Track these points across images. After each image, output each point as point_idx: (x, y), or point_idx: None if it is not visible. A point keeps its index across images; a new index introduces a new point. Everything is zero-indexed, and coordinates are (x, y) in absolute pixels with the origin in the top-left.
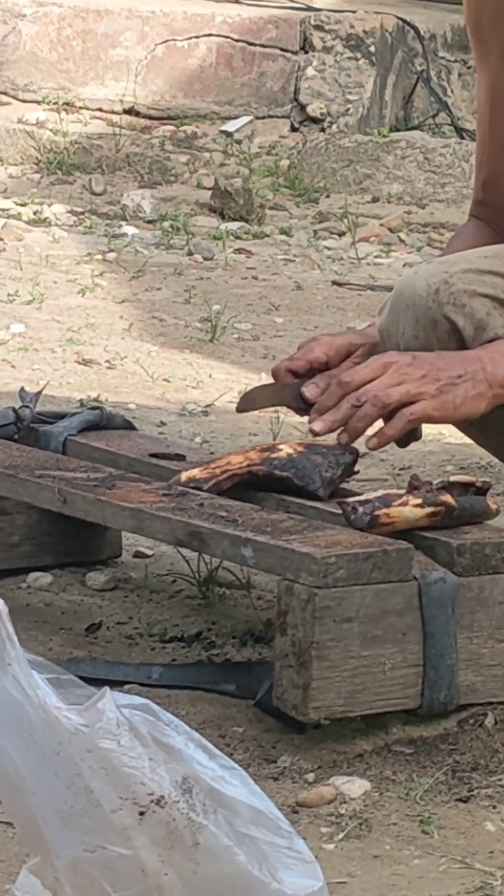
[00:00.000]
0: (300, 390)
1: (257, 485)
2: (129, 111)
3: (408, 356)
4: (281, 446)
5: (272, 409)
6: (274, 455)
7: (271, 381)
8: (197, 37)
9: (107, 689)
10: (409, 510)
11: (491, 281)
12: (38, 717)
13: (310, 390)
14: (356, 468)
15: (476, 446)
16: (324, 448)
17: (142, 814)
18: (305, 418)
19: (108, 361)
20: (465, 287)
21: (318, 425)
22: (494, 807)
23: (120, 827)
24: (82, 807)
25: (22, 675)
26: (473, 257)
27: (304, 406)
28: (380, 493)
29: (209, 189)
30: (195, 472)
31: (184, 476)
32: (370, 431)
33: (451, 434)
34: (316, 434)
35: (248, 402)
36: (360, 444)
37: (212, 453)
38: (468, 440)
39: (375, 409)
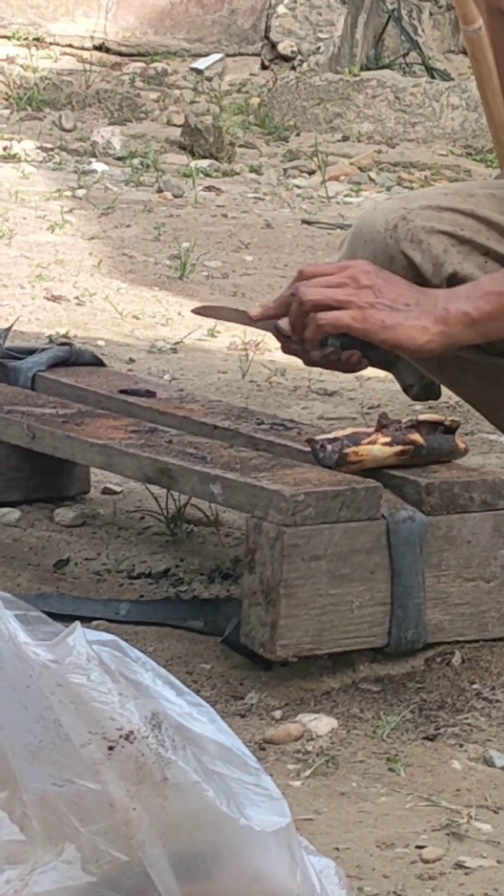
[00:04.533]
0: (277, 323)
1: None
2: (99, 47)
3: (369, 267)
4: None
5: (239, 347)
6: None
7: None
8: None
9: (77, 623)
10: (378, 449)
11: (450, 218)
12: (8, 649)
13: (284, 322)
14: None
15: (444, 387)
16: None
17: (111, 748)
18: (275, 356)
19: (77, 298)
20: (423, 224)
21: (254, 309)
22: (461, 745)
23: (89, 761)
24: (51, 741)
25: None
26: (433, 194)
27: (280, 335)
28: (349, 431)
29: (179, 126)
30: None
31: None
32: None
33: None
34: (252, 317)
35: (211, 311)
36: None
37: (181, 390)
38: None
39: (293, 302)
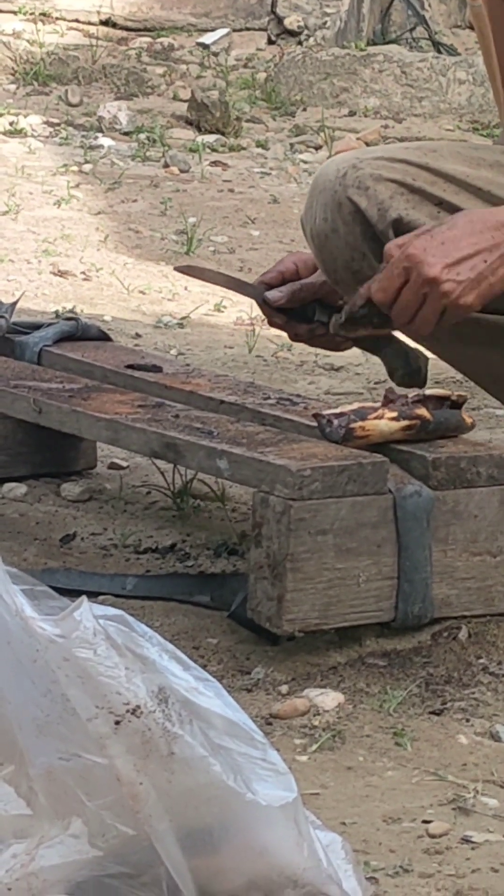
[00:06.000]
0: (265, 294)
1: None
2: (105, 22)
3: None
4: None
5: (246, 322)
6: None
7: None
8: None
9: (84, 598)
10: (385, 423)
11: (402, 168)
12: (15, 624)
13: (273, 294)
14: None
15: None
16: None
17: (117, 723)
18: (276, 333)
19: (83, 273)
20: (371, 172)
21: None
22: (467, 720)
23: (95, 735)
24: (58, 715)
25: None
26: (393, 147)
27: (266, 307)
28: (355, 406)
29: (186, 101)
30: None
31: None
32: None
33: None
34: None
35: (196, 271)
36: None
37: (187, 365)
38: None
39: (401, 274)
